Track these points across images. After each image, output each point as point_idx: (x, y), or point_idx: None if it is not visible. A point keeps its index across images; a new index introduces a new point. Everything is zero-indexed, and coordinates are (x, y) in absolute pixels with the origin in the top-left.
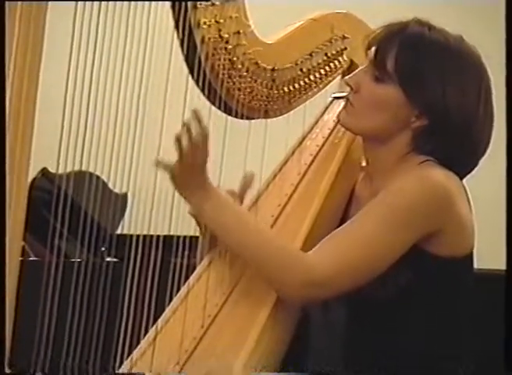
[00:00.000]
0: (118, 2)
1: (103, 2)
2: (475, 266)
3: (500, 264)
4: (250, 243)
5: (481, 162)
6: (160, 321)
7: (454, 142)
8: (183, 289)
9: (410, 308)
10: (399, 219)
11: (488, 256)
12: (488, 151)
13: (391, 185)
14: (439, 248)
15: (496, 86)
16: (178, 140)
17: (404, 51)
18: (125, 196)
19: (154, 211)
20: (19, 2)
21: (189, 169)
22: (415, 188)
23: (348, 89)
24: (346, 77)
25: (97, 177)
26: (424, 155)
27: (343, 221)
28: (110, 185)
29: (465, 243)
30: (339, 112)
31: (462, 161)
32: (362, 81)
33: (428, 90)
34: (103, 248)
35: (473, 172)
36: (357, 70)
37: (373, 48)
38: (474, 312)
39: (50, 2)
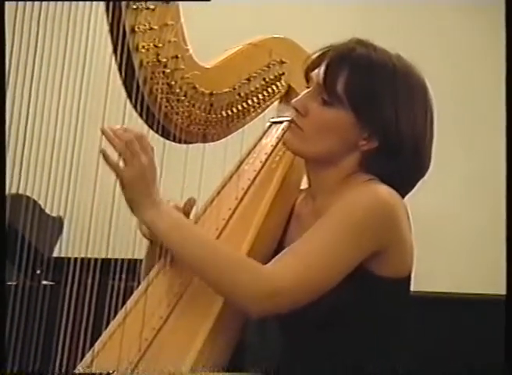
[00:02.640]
0: (56, 25)
1: (40, 29)
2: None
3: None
4: (208, 257)
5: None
6: (97, 345)
7: (403, 163)
8: (121, 313)
9: (349, 328)
10: (352, 232)
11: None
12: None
13: (341, 200)
14: (382, 268)
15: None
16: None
17: (355, 74)
18: (60, 219)
19: (91, 234)
20: None
21: (138, 177)
22: (365, 203)
23: (289, 113)
24: (293, 101)
25: (34, 201)
26: (370, 175)
27: (282, 241)
28: (46, 209)
29: (406, 264)
30: (286, 137)
31: (406, 181)
32: (310, 105)
33: (382, 112)
34: (39, 271)
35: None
36: (302, 93)
37: (321, 71)
38: (410, 332)
39: None
